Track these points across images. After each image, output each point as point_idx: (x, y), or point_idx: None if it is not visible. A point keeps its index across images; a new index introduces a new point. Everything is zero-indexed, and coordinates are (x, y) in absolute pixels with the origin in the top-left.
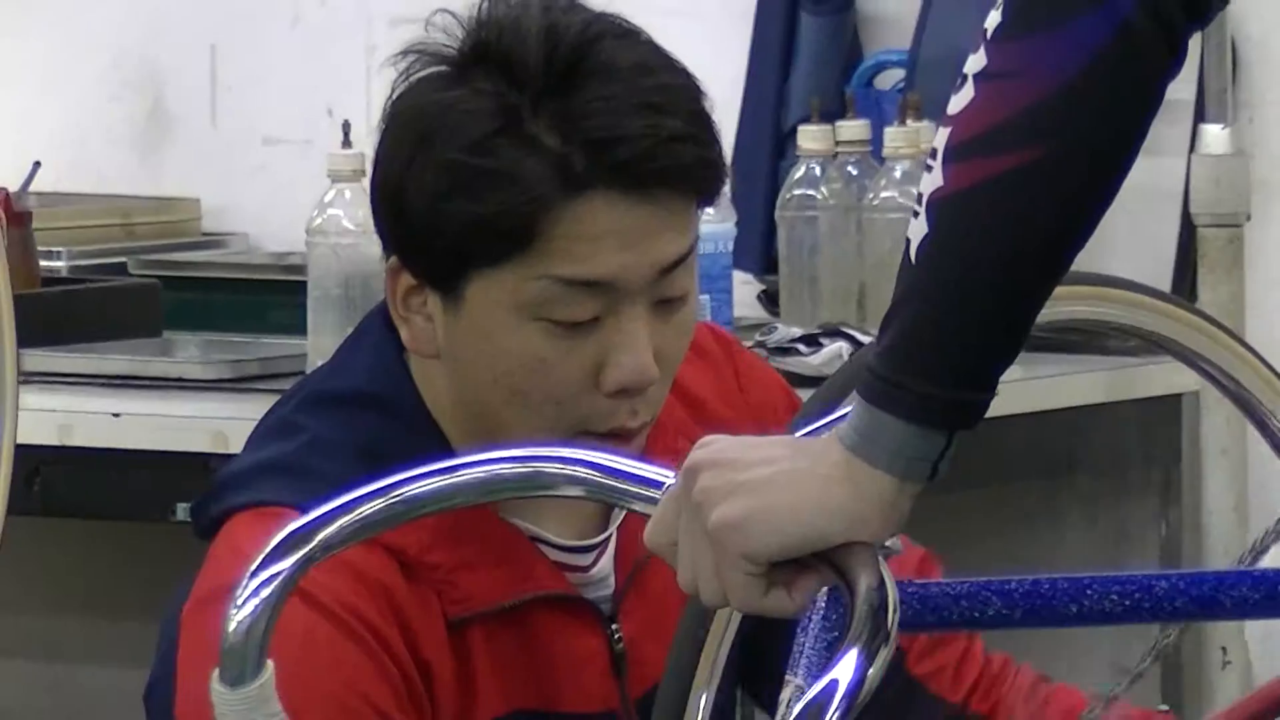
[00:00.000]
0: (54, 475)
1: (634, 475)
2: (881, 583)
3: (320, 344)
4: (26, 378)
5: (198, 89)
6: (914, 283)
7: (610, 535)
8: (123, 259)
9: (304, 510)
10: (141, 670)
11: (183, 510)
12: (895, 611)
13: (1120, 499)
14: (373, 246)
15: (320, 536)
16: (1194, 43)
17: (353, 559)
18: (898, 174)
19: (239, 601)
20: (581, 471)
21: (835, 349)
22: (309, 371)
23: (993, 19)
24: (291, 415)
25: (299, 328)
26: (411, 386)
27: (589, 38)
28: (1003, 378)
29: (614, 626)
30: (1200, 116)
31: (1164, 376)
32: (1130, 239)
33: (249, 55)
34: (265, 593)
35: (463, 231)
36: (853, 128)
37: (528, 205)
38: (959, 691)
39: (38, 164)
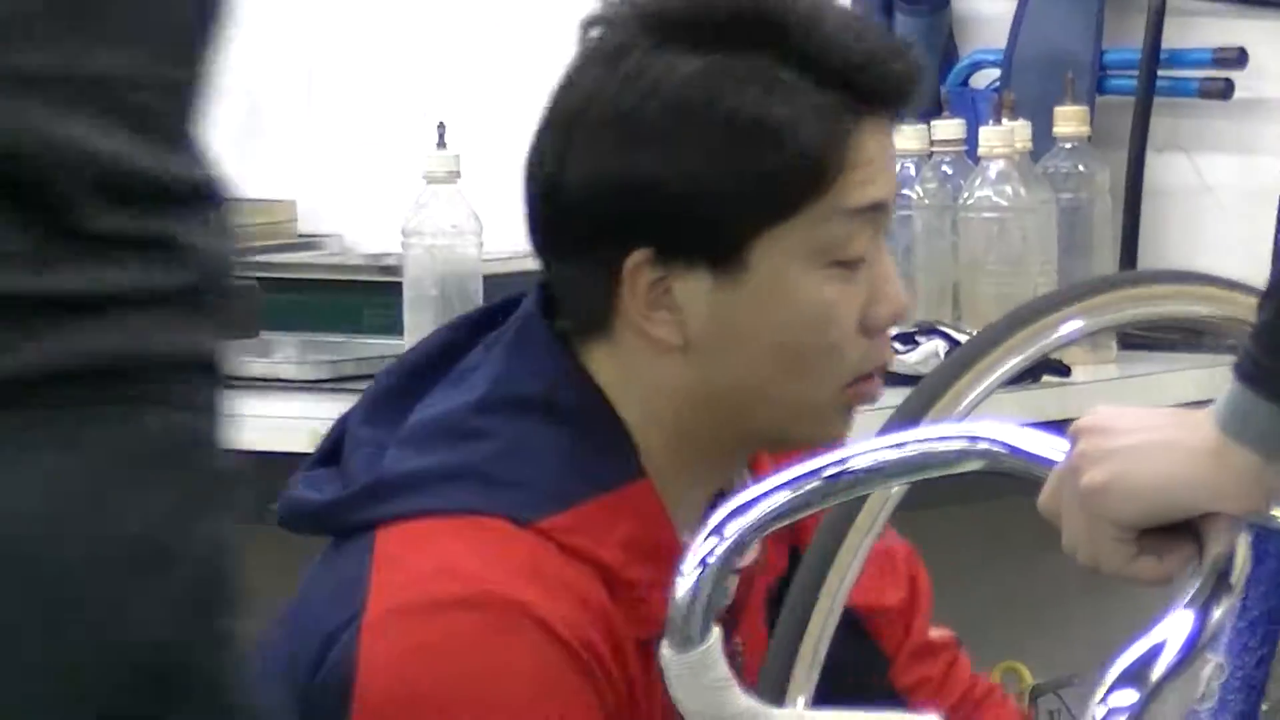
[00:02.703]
0: None
1: (1035, 448)
2: (1232, 554)
3: None
4: None
5: (293, 91)
6: None
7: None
8: None
9: (513, 521)
10: None
11: None
12: (1241, 578)
13: None
14: (468, 247)
15: (758, 510)
16: None
17: (572, 581)
18: (992, 173)
19: (686, 569)
20: (994, 447)
21: (931, 347)
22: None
23: None
24: (469, 419)
25: (395, 328)
26: (597, 391)
27: None
28: (1096, 377)
29: (736, 640)
30: None
31: None
32: (1227, 237)
33: (344, 56)
34: (710, 560)
35: (763, 185)
36: (948, 126)
37: (824, 141)
38: (940, 709)
39: None
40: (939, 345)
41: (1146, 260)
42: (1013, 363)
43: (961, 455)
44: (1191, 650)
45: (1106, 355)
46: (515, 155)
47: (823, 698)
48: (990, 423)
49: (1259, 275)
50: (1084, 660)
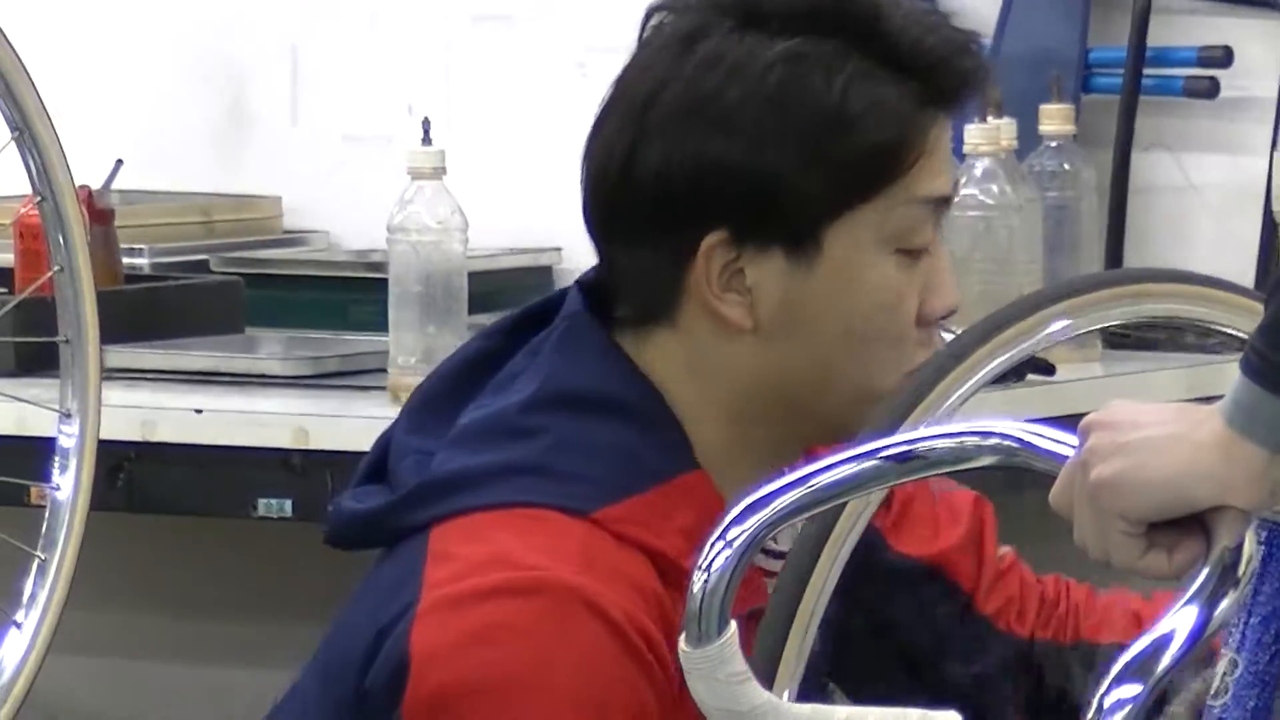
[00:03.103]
0: (137, 471)
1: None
2: (1239, 547)
3: (401, 341)
4: (110, 374)
5: (278, 87)
6: None
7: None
8: (204, 256)
9: (566, 512)
10: (222, 668)
11: (264, 506)
12: (1248, 571)
13: None
14: (453, 243)
15: (776, 504)
16: (1277, 40)
17: (626, 568)
18: (978, 171)
19: (703, 565)
20: (1006, 442)
21: None
22: (390, 367)
23: None
24: (519, 418)
25: (380, 324)
26: (649, 386)
27: None
28: (1081, 375)
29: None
30: None
31: None
32: (1212, 236)
33: (329, 53)
34: (728, 554)
35: (842, 172)
36: None
37: (902, 131)
38: (1025, 624)
39: (120, 162)
40: None
41: (1132, 259)
42: (997, 362)
43: (974, 451)
44: (1196, 644)
45: (1091, 354)
46: (501, 151)
47: (913, 649)
48: (1002, 420)
49: (1244, 274)
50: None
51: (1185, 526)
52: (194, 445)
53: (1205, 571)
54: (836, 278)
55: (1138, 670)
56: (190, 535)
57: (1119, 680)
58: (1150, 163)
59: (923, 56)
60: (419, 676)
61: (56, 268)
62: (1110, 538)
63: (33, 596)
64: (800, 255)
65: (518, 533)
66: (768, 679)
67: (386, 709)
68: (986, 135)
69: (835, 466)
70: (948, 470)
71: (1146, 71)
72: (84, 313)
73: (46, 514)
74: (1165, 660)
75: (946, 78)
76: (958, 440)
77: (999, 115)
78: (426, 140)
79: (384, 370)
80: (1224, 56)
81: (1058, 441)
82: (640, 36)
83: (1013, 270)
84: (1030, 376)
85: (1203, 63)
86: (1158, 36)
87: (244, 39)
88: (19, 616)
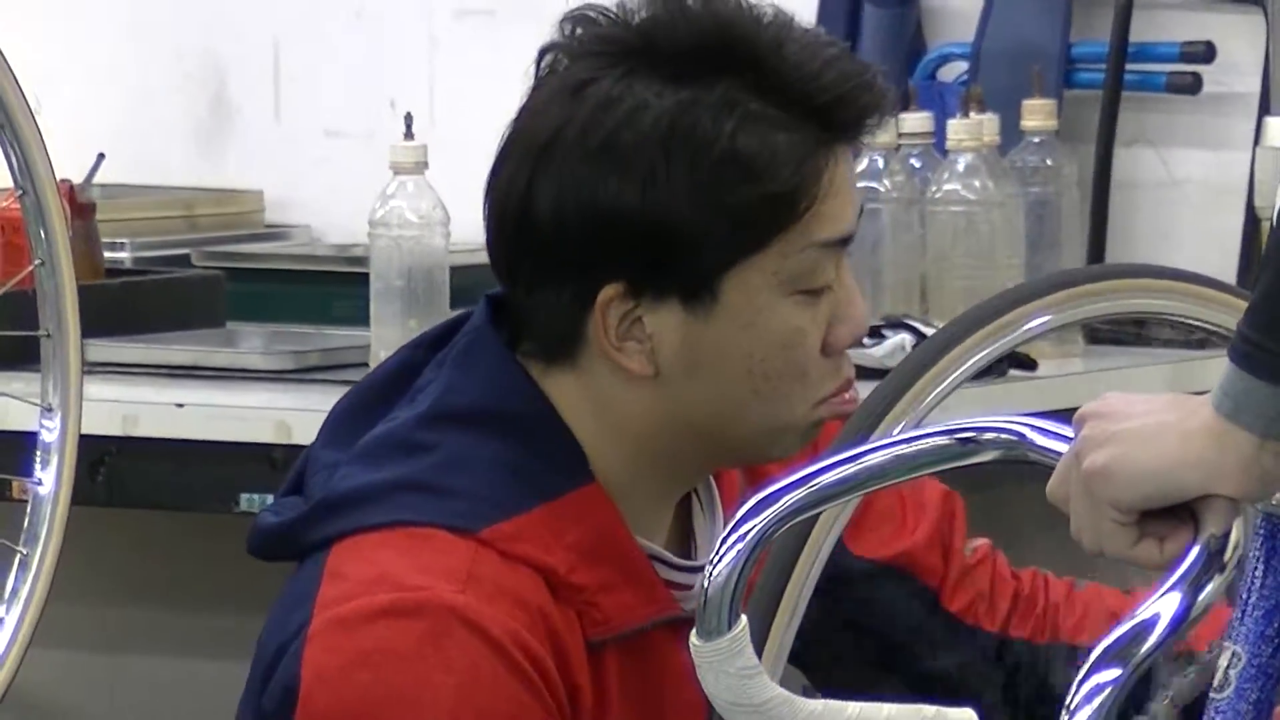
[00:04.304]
0: (118, 465)
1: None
2: (1227, 534)
3: (383, 335)
4: (91, 368)
5: (260, 81)
6: (1276, 246)
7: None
8: (186, 250)
9: (453, 531)
10: (203, 661)
11: (246, 501)
12: (1234, 558)
13: None
14: (435, 238)
15: (784, 501)
16: (1259, 36)
17: (511, 584)
18: (960, 167)
19: (715, 559)
20: (1003, 437)
21: (898, 341)
22: (371, 362)
23: None
24: (412, 433)
25: (361, 319)
26: (545, 402)
27: (751, 15)
28: (1062, 371)
29: None
30: (1265, 110)
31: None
32: (1194, 232)
33: (311, 47)
34: (739, 548)
35: (737, 219)
36: (915, 120)
37: (798, 175)
38: (995, 619)
39: (101, 156)
40: (906, 339)
41: (1114, 254)
42: (978, 357)
43: (973, 446)
44: (1179, 629)
45: (1073, 349)
46: (483, 146)
47: (880, 646)
48: (1000, 415)
49: (1227, 269)
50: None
51: (1178, 516)
52: (175, 440)
53: (1190, 557)
54: (734, 323)
55: (1118, 655)
56: (172, 530)
57: (1099, 664)
58: (1132, 158)
59: (819, 94)
60: (306, 700)
61: (37, 261)
62: (1103, 527)
63: (14, 591)
64: (697, 304)
65: (403, 552)
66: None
67: None
68: (968, 130)
69: (838, 465)
70: (949, 466)
71: (1129, 67)
72: (65, 307)
73: (28, 509)
74: (1147, 644)
75: (844, 113)
76: (957, 436)
77: (981, 111)
78: (409, 135)
79: (366, 365)
80: (1206, 52)
81: (1055, 434)
82: (535, 75)
83: (994, 266)
84: (1012, 372)
85: (1185, 58)
86: (1140, 31)
87: (226, 33)
88: (0, 611)
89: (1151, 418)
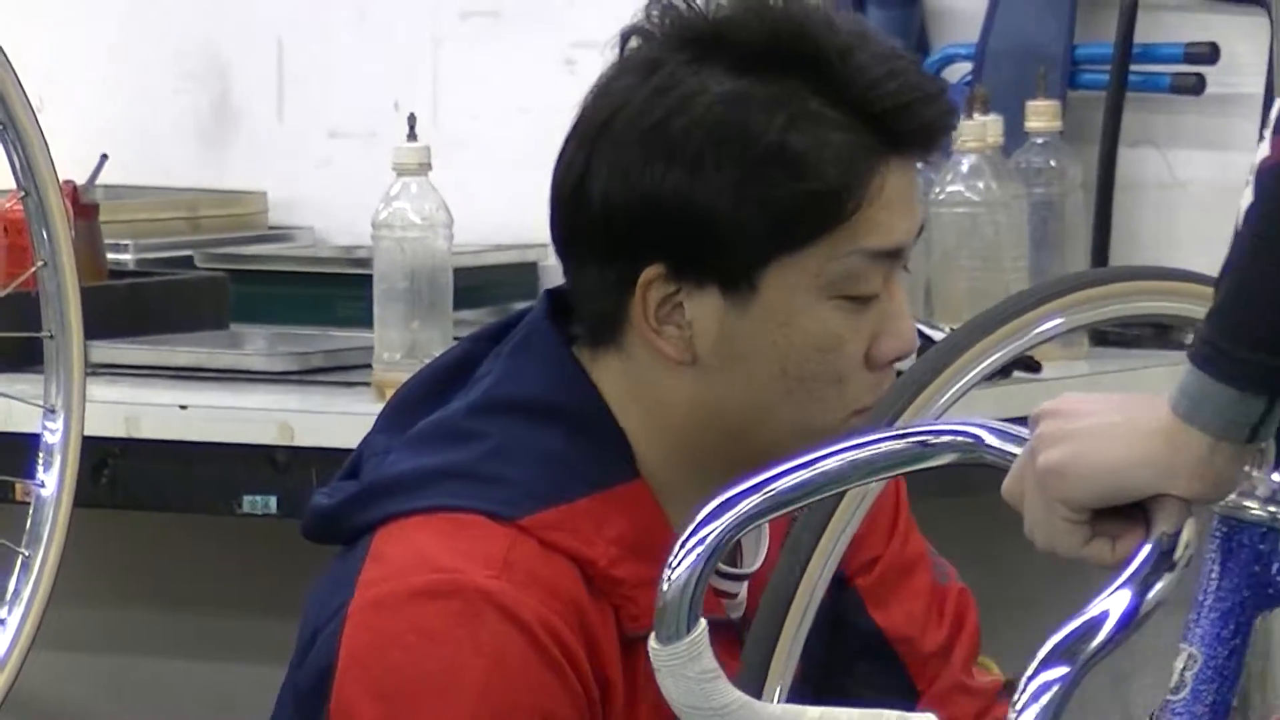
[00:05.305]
0: (121, 467)
1: (1003, 435)
2: (1178, 533)
3: (386, 337)
4: (94, 370)
5: (264, 82)
6: (1238, 250)
7: (761, 562)
8: (189, 252)
9: (494, 518)
10: (206, 663)
11: (249, 503)
12: (1184, 556)
13: None
14: (438, 239)
15: (741, 507)
16: (1264, 37)
17: (546, 574)
18: (964, 168)
19: (673, 563)
20: (959, 439)
21: None
22: (375, 363)
23: None
24: (464, 421)
25: (365, 321)
26: (595, 395)
27: (826, 21)
28: (1068, 373)
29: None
30: (1269, 110)
31: None
32: (1198, 233)
33: (315, 48)
34: (698, 551)
35: (779, 214)
36: None
37: (845, 177)
38: None
39: (105, 157)
40: None
41: (1118, 255)
42: (989, 361)
43: (930, 450)
44: (1128, 626)
45: (1078, 352)
46: (487, 148)
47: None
48: (957, 418)
49: None
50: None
51: (1131, 516)
52: (178, 441)
53: (1141, 555)
54: (771, 319)
55: (1065, 652)
56: (174, 532)
57: (1047, 662)
58: (1137, 159)
59: (880, 101)
60: (340, 679)
61: (40, 263)
62: (1055, 525)
63: (16, 593)
64: (736, 294)
65: (441, 536)
66: (759, 681)
67: (316, 708)
68: (973, 131)
69: (794, 471)
70: (906, 471)
71: (1133, 68)
72: (68, 308)
73: (31, 510)
74: (1096, 641)
75: (903, 123)
76: (912, 440)
77: (985, 112)
78: (412, 136)
79: (369, 366)
80: (1210, 53)
81: (1011, 435)
82: (619, 57)
83: (999, 267)
84: (1016, 374)
85: (1189, 59)
86: (1144, 33)
87: (230, 34)
88: (2, 613)
89: (1107, 417)
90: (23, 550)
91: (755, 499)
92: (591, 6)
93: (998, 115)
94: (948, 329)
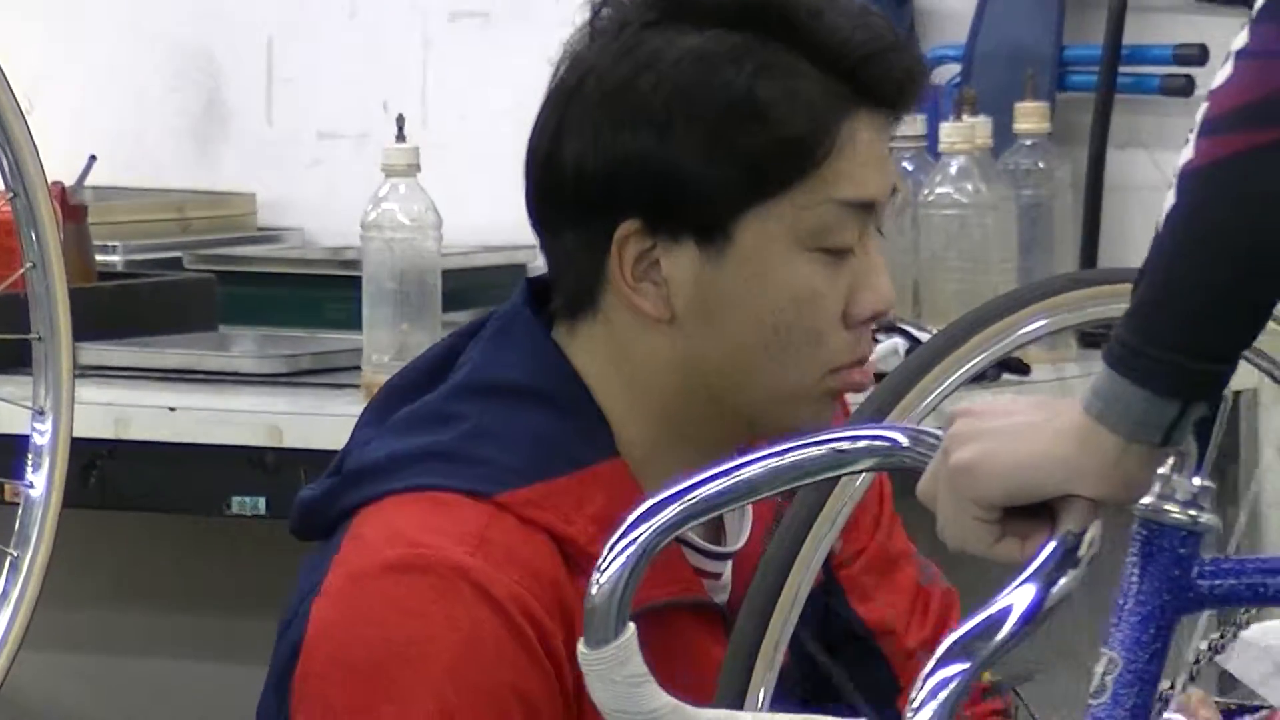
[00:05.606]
0: (110, 468)
1: (919, 438)
2: (1084, 531)
3: (375, 338)
4: (83, 371)
5: (253, 83)
6: (1158, 252)
7: (744, 542)
8: (178, 253)
9: (472, 495)
10: (195, 663)
11: (237, 504)
12: (1088, 554)
13: None
14: (427, 241)
15: (671, 510)
16: None
17: (524, 552)
18: (953, 169)
19: (601, 566)
20: (877, 444)
21: (891, 345)
22: (363, 365)
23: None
24: (443, 405)
25: (354, 322)
26: (574, 376)
27: None
28: (1056, 375)
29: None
30: None
31: None
32: None
33: (305, 49)
34: (626, 555)
35: (749, 163)
36: (908, 122)
37: (814, 124)
38: None
39: (93, 158)
40: (899, 343)
41: (1107, 257)
42: (974, 362)
43: (846, 456)
44: (1031, 622)
45: (1066, 353)
46: (476, 149)
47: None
48: (874, 423)
49: None
50: (1041, 654)
51: (1040, 516)
52: (167, 443)
53: (1045, 552)
54: (747, 269)
55: (965, 649)
56: (163, 533)
57: (945, 659)
58: (1125, 161)
59: (850, 52)
60: (309, 652)
61: (29, 264)
62: (965, 524)
63: (5, 593)
64: (712, 246)
65: (418, 513)
66: (744, 672)
67: (283, 683)
68: (961, 133)
69: (715, 479)
70: (826, 477)
71: (1122, 69)
72: (56, 310)
73: (19, 511)
74: (998, 637)
75: (871, 71)
76: (828, 446)
77: (974, 113)
78: (401, 137)
79: (358, 368)
80: (1199, 54)
81: (927, 438)
82: (590, 25)
83: (987, 269)
84: (1005, 376)
85: (1178, 60)
86: (1133, 34)
87: (219, 35)
88: None
89: (1021, 417)
90: (11, 551)
91: (679, 505)
92: (580, 8)
93: (986, 117)
94: (934, 330)
